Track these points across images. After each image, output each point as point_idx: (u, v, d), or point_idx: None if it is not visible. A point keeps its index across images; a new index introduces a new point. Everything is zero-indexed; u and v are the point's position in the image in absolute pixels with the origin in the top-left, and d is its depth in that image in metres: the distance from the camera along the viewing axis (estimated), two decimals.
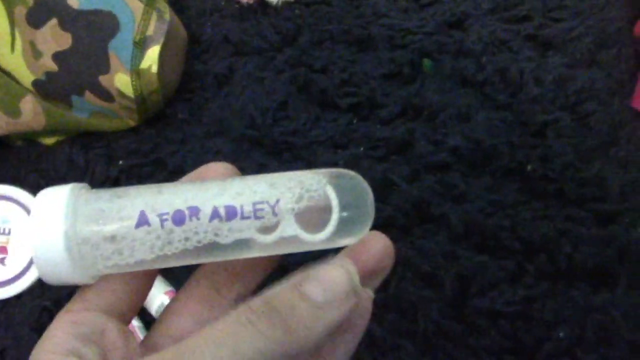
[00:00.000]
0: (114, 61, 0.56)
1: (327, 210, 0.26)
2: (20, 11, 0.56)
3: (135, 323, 0.48)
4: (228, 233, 0.25)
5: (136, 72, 0.57)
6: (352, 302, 0.22)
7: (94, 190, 0.25)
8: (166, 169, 0.60)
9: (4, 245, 0.56)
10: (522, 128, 0.57)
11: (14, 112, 0.57)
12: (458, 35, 0.67)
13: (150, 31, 0.57)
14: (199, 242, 0.25)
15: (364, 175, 0.55)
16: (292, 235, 0.26)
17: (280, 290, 0.21)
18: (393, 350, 0.45)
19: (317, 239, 0.27)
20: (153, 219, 0.24)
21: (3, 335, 0.53)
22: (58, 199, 0.24)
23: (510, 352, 0.44)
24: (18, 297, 0.54)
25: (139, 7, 0.58)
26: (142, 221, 0.24)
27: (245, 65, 0.67)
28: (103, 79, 0.56)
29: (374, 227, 0.51)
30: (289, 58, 0.67)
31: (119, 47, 0.56)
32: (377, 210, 0.53)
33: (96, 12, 0.56)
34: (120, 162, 0.61)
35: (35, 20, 0.56)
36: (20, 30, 0.56)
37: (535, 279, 0.48)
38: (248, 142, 0.61)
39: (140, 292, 0.26)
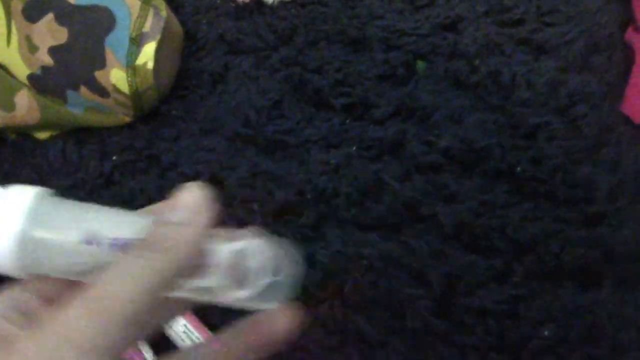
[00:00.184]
0: (109, 57, 0.56)
1: (258, 270, 0.28)
2: (17, 5, 0.56)
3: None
4: None
5: (132, 68, 0.57)
6: (204, 217, 0.26)
7: (58, 199, 0.27)
8: (160, 166, 0.60)
9: None
10: (514, 130, 0.58)
11: (9, 106, 0.58)
12: (452, 38, 0.67)
13: (146, 28, 0.57)
14: None
15: (356, 175, 0.56)
16: (214, 286, 0.28)
17: (152, 228, 0.26)
18: (381, 347, 0.46)
19: (240, 295, 0.28)
20: (95, 240, 0.26)
21: None
22: (24, 198, 0.27)
23: (497, 350, 0.45)
24: None
25: (135, 4, 0.58)
26: (85, 240, 0.26)
27: (241, 64, 0.68)
28: (99, 75, 0.57)
29: (365, 226, 0.52)
30: (284, 57, 0.67)
31: (115, 43, 0.56)
32: (369, 208, 0.53)
33: (93, 8, 0.57)
34: (114, 157, 0.61)
35: (32, 14, 0.56)
36: (16, 24, 0.56)
37: (523, 279, 0.48)
38: (242, 140, 0.61)
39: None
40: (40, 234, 0.25)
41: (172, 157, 0.60)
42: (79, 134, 0.63)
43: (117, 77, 0.57)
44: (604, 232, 0.50)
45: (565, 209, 0.52)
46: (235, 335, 0.32)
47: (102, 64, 0.56)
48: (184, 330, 0.48)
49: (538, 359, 0.44)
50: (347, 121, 0.62)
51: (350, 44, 0.69)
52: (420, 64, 0.66)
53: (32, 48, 0.56)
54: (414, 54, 0.67)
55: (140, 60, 0.57)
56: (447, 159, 0.57)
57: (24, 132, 0.63)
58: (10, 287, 0.26)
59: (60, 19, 0.56)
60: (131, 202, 0.57)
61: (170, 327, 0.49)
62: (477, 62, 0.64)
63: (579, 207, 0.52)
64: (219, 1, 0.75)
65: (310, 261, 0.51)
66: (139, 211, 0.30)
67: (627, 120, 0.58)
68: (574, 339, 0.45)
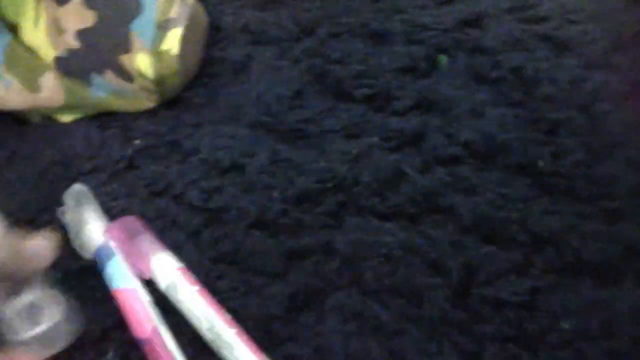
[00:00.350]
0: (135, 41, 0.57)
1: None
2: None
3: (146, 298, 0.49)
4: None
5: (157, 54, 0.57)
6: None
7: None
8: (181, 151, 0.60)
9: None
10: (535, 125, 0.58)
11: (34, 87, 0.58)
12: (474, 33, 0.67)
13: (172, 13, 0.58)
14: None
15: (376, 165, 0.56)
16: None
17: None
18: (398, 335, 0.46)
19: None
20: None
21: None
22: None
23: (514, 341, 0.45)
24: None
25: None
26: None
27: (263, 54, 0.68)
28: (124, 59, 0.57)
29: (384, 215, 0.52)
30: (307, 48, 0.68)
31: (141, 28, 0.57)
32: (388, 198, 0.54)
33: None
34: (137, 142, 0.61)
35: None
36: (45, 6, 0.57)
37: (542, 271, 0.48)
38: (262, 128, 0.62)
39: None
40: None
41: (193, 143, 0.61)
42: (102, 117, 0.64)
43: (141, 61, 0.57)
44: (625, 228, 0.50)
45: (585, 204, 0.52)
46: None
47: (127, 48, 0.57)
48: None
49: (557, 352, 0.44)
50: (368, 112, 0.62)
51: (372, 37, 0.70)
52: (442, 59, 0.66)
53: (59, 31, 0.57)
54: (436, 48, 0.67)
55: (165, 46, 0.58)
56: (467, 152, 0.57)
57: (48, 115, 0.64)
58: None
59: (88, 2, 0.56)
60: (151, 185, 0.57)
61: None
62: (499, 57, 0.64)
63: (599, 202, 0.52)
64: None
65: (328, 249, 0.51)
66: None
67: None
68: (593, 333, 0.44)
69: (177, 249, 0.52)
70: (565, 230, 0.50)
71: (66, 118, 0.63)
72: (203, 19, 0.66)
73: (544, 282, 0.47)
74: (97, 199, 0.56)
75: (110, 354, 0.47)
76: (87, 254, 0.52)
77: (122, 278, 0.49)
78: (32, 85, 0.58)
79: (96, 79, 0.59)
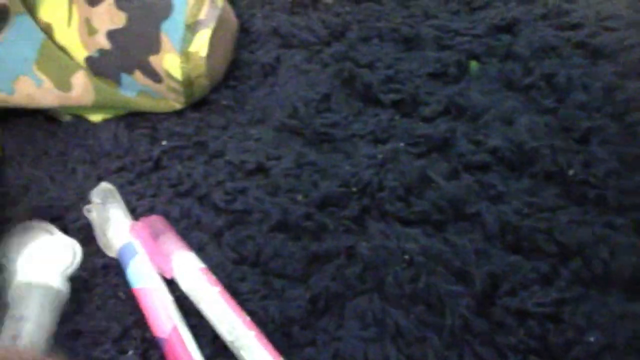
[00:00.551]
0: (164, 42, 0.57)
1: None
2: None
3: (167, 297, 0.49)
4: None
5: (185, 55, 0.58)
6: None
7: None
8: (207, 153, 0.61)
9: None
10: (566, 133, 0.57)
11: (65, 86, 0.59)
12: (507, 39, 0.66)
13: (202, 15, 0.58)
14: None
15: (402, 170, 0.55)
16: None
17: None
18: (418, 342, 0.45)
19: None
20: None
21: None
22: None
23: (537, 353, 0.43)
24: None
25: None
26: None
27: (292, 57, 0.68)
28: (153, 60, 0.58)
29: (409, 221, 0.51)
30: (336, 52, 0.68)
31: (171, 29, 0.57)
32: (413, 204, 0.53)
33: None
34: (164, 142, 0.62)
35: None
36: (77, 6, 0.58)
37: (569, 283, 0.47)
38: (289, 131, 0.62)
39: None
40: None
41: (220, 145, 0.61)
42: (131, 118, 0.64)
43: (170, 62, 0.58)
44: None
45: (616, 215, 0.50)
46: None
47: (156, 49, 0.57)
48: None
49: None
50: (396, 117, 0.61)
51: (402, 42, 0.69)
52: (473, 64, 0.65)
53: (91, 31, 0.58)
54: (467, 54, 0.66)
55: (193, 47, 0.58)
56: (495, 159, 0.56)
57: (77, 114, 0.65)
58: None
59: (120, 3, 0.57)
60: (177, 186, 0.58)
61: None
62: (532, 64, 0.63)
63: (630, 213, 0.50)
64: None
65: (350, 253, 0.51)
66: None
67: None
68: (620, 347, 0.43)
69: (199, 250, 0.52)
70: (594, 241, 0.48)
71: (96, 117, 0.64)
72: (232, 21, 0.66)
73: (571, 294, 0.46)
74: (123, 198, 0.56)
75: (130, 353, 0.47)
76: (111, 253, 0.52)
77: (143, 277, 0.49)
78: (63, 84, 0.59)
79: (126, 79, 0.60)
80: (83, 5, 0.58)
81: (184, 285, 0.49)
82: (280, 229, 0.53)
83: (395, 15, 0.72)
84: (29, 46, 0.59)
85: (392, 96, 0.62)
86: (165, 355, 0.46)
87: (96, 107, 0.62)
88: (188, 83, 0.59)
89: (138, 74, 0.59)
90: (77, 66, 0.59)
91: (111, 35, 0.58)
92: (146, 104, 0.62)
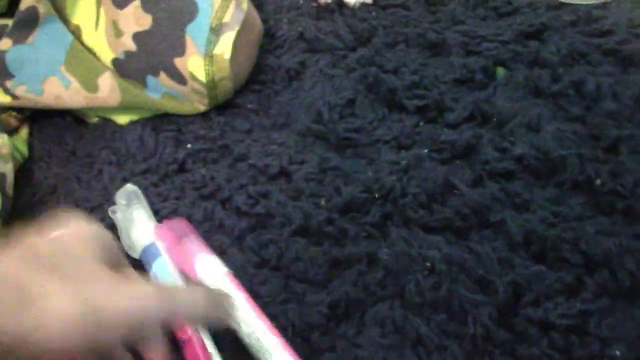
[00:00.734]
0: (189, 44, 0.58)
1: None
2: None
3: None
4: None
5: (209, 57, 0.58)
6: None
7: None
8: (231, 156, 0.61)
9: None
10: (594, 142, 0.56)
11: (92, 87, 0.60)
12: (535, 46, 0.65)
13: (227, 18, 0.59)
14: None
15: (425, 177, 0.55)
16: None
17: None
18: (438, 350, 0.44)
19: None
20: None
21: None
22: None
23: None
24: None
25: None
26: None
27: (318, 62, 0.68)
28: (177, 62, 0.58)
29: (431, 228, 0.50)
30: (361, 57, 0.67)
31: (196, 31, 0.58)
32: (436, 211, 0.52)
33: None
34: (189, 145, 0.62)
35: (120, 0, 0.58)
36: (105, 9, 0.59)
37: (594, 294, 0.46)
38: (313, 136, 0.61)
39: None
40: None
41: (244, 148, 0.61)
42: (157, 121, 0.65)
43: (194, 64, 0.58)
44: None
45: None
46: None
47: (181, 51, 0.58)
48: None
49: None
50: (420, 123, 0.61)
51: (428, 47, 0.69)
52: (500, 71, 0.65)
53: (118, 33, 0.59)
54: (494, 60, 0.65)
55: (217, 50, 0.58)
56: (520, 167, 0.55)
57: (105, 116, 0.65)
58: None
59: (146, 6, 0.58)
60: (200, 189, 0.58)
61: None
62: (560, 71, 0.62)
63: None
64: (301, 1, 0.76)
65: (372, 259, 0.50)
66: None
67: None
68: None
69: (222, 252, 0.52)
70: (621, 252, 0.47)
71: (122, 119, 0.65)
72: (257, 25, 0.67)
73: (596, 306, 0.45)
74: (147, 200, 0.57)
75: None
76: (135, 254, 0.53)
77: (165, 278, 0.49)
78: (90, 85, 0.60)
79: (151, 80, 0.60)
80: (110, 7, 0.59)
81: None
82: (302, 233, 0.53)
83: (422, 21, 0.71)
84: (58, 48, 0.60)
85: (417, 102, 0.62)
86: (185, 356, 0.46)
87: (122, 109, 0.62)
88: (212, 85, 0.60)
89: (163, 76, 0.59)
90: (104, 67, 0.60)
91: (137, 37, 0.58)
92: (171, 105, 0.62)
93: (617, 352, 0.43)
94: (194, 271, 0.49)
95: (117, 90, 0.60)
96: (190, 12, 0.58)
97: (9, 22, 0.61)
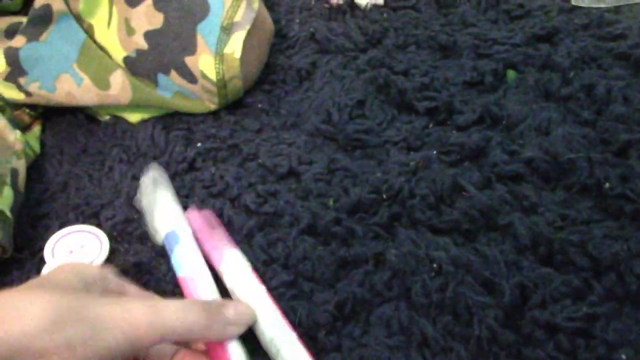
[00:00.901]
0: (200, 43, 0.58)
1: None
2: None
3: (210, 287, 0.48)
4: None
5: (220, 56, 0.59)
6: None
7: None
8: (240, 155, 0.61)
9: None
10: (604, 145, 0.55)
11: (104, 85, 0.60)
12: (546, 49, 0.65)
13: (237, 17, 0.59)
14: None
15: (434, 178, 0.55)
16: None
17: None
18: (444, 352, 0.44)
19: None
20: None
21: None
22: None
23: None
24: None
25: None
26: None
27: (328, 63, 0.69)
28: (188, 60, 0.59)
29: (439, 230, 0.50)
30: (372, 59, 0.68)
31: (207, 30, 0.58)
32: (444, 212, 0.52)
33: None
34: (199, 144, 0.63)
35: None
36: (117, 7, 0.59)
37: (601, 298, 0.46)
38: (322, 136, 0.62)
39: None
40: None
41: (253, 148, 0.61)
42: (168, 119, 0.65)
43: (205, 63, 0.58)
44: None
45: None
46: None
47: (192, 50, 0.58)
48: None
49: None
50: (430, 125, 0.61)
51: (439, 49, 0.69)
52: (511, 74, 0.65)
53: (130, 31, 0.59)
54: (505, 63, 0.65)
55: (228, 49, 0.59)
56: (529, 170, 0.55)
57: (115, 114, 0.66)
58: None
59: (158, 4, 0.58)
60: (210, 187, 0.58)
61: None
62: (571, 74, 0.62)
63: None
64: (312, 2, 0.77)
65: (379, 260, 0.50)
66: None
67: None
68: None
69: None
70: (629, 256, 0.47)
71: (133, 118, 0.65)
72: (268, 24, 0.67)
73: (603, 309, 0.45)
74: None
75: None
76: (159, 239, 0.53)
77: (185, 266, 0.49)
78: (102, 82, 0.60)
79: (162, 79, 0.61)
80: (123, 5, 0.59)
81: (230, 281, 0.49)
82: (310, 232, 0.53)
83: (433, 23, 0.71)
84: (71, 45, 0.60)
85: (427, 104, 0.62)
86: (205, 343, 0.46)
87: (133, 107, 0.63)
88: (222, 84, 0.60)
89: (174, 74, 0.60)
90: (116, 65, 0.61)
91: (148, 35, 0.59)
92: (181, 104, 0.63)
93: (624, 356, 0.42)
94: (220, 262, 0.49)
95: (129, 88, 0.61)
96: (201, 11, 0.58)
97: (24, 19, 0.61)
